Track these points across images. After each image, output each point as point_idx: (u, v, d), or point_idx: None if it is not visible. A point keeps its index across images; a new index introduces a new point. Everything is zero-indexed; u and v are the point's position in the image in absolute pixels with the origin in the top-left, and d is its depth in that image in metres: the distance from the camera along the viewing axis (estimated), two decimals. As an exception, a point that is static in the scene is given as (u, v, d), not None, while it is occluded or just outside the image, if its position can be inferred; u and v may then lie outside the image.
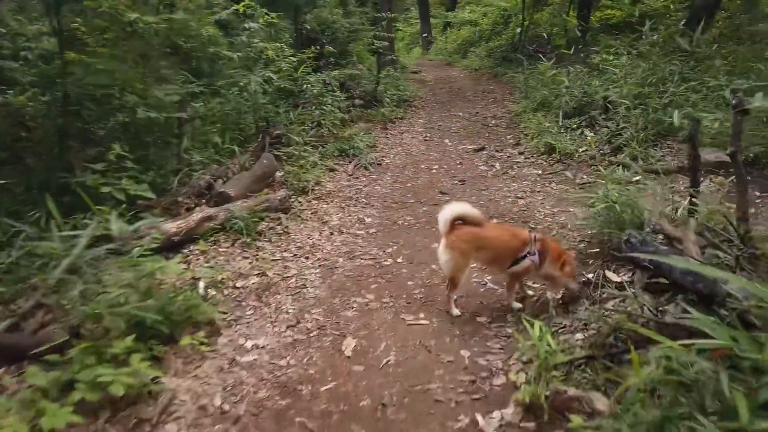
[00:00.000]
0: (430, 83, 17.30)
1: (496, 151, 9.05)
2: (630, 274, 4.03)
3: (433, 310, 4.24)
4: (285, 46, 8.87)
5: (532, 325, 3.20)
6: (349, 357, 3.65)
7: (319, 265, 5.16)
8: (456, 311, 4.10)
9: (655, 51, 9.85)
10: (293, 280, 4.86)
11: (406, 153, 9.26)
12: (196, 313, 3.96)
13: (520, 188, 7.05)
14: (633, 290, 3.73)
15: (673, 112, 7.60)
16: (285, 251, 5.46)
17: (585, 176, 7.02)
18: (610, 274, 4.05)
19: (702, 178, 5.69)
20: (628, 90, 7.89)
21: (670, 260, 2.91)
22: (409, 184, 7.66)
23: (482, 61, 19.57)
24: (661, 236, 4.15)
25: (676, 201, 4.47)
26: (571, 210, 6.06)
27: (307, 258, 5.32)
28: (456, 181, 7.62)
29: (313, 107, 9.04)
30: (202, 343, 3.78)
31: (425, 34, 29.06)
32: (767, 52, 8.36)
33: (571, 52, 10.89)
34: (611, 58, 10.08)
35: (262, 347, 3.81)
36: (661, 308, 3.35)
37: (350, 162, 8.46)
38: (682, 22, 10.50)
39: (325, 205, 6.77)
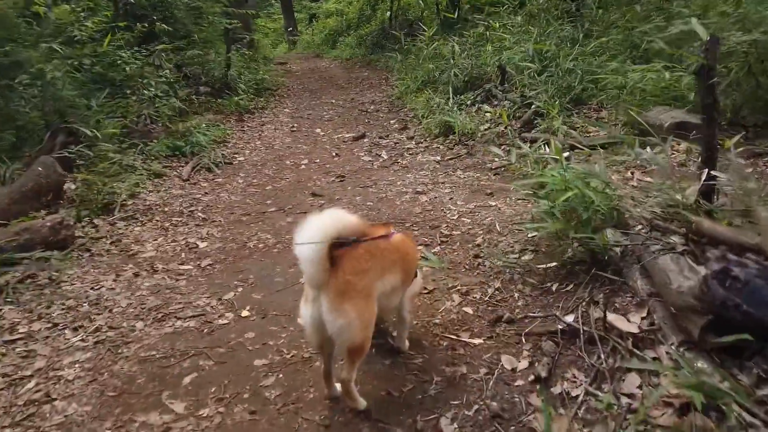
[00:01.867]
0: (298, 73, 15.11)
1: (380, 138, 7.14)
2: (644, 314, 2.24)
3: (313, 417, 2.15)
4: (78, 9, 6.27)
5: None
6: None
7: (96, 342, 2.82)
8: (361, 402, 2.09)
9: (542, 15, 8.60)
10: (33, 383, 2.49)
11: (267, 147, 7.04)
12: None
13: (419, 180, 5.16)
14: (678, 353, 1.91)
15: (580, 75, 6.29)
16: (40, 319, 3.04)
17: (497, 159, 5.32)
18: (615, 319, 2.22)
19: (661, 146, 4.15)
20: (534, 49, 6.35)
21: None
22: (269, 187, 5.47)
23: (353, 50, 17.77)
24: (677, 238, 2.41)
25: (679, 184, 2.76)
26: (493, 204, 4.27)
27: (76, 329, 2.95)
28: (333, 178, 5.57)
29: (131, 93, 6.49)
30: None
31: (290, 29, 26.72)
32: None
33: (455, 16, 9.25)
34: (497, 25, 8.65)
35: None
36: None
37: (187, 163, 6.06)
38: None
39: (138, 228, 4.38)
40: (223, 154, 6.43)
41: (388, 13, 17.11)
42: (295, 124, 8.32)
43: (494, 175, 4.98)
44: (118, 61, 6.55)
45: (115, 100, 6.52)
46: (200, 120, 7.34)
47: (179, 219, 4.60)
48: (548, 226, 2.89)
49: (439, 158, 5.80)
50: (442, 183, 4.98)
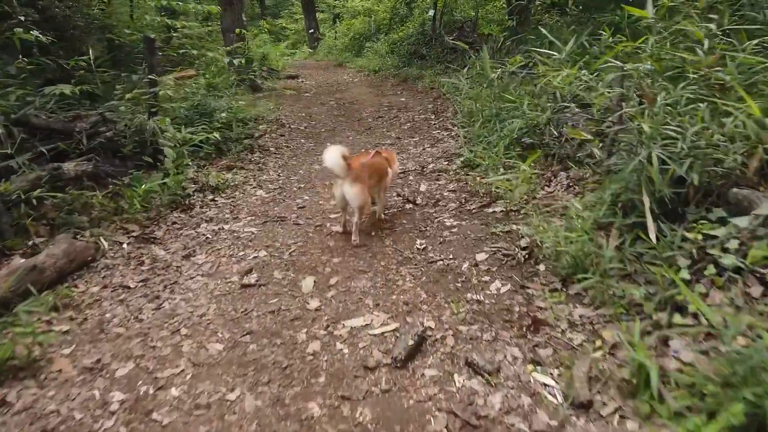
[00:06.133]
0: (309, 94, 10.26)
1: (474, 365, 2.26)
2: None
3: None
4: None
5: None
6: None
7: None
8: (357, 240, 3.51)
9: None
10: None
11: (149, 402, 2.24)
12: None
13: None
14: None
15: None
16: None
17: None
18: None
19: None
20: None
21: None
22: None
23: (383, 59, 12.87)
24: None
25: None
26: None
27: None
28: None
29: None
30: None
31: (311, 30, 21.90)
32: None
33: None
34: (700, 35, 3.65)
35: None
36: None
37: None
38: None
39: None
40: None
41: (431, 12, 12.10)
42: (262, 255, 3.49)
43: None
44: None
45: None
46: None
47: None
48: None
49: None
50: None
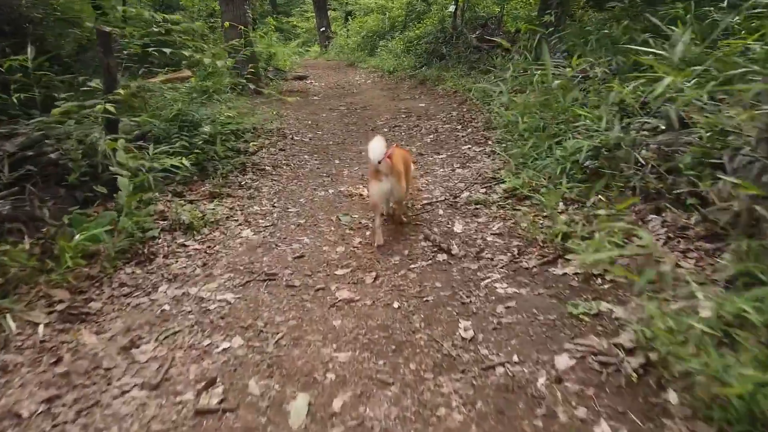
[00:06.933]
0: (317, 98, 9.15)
1: None
2: None
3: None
4: None
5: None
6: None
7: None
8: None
9: None
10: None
11: None
12: None
13: None
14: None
15: None
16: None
17: None
18: None
19: None
20: None
21: None
22: None
23: (398, 59, 11.72)
24: None
25: None
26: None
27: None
28: None
29: None
30: None
31: (322, 29, 20.77)
32: None
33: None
34: None
35: None
36: None
37: None
38: None
39: None
40: None
41: (452, 7, 10.90)
42: (236, 347, 2.37)
43: None
44: None
45: None
46: None
47: None
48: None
49: None
50: None
